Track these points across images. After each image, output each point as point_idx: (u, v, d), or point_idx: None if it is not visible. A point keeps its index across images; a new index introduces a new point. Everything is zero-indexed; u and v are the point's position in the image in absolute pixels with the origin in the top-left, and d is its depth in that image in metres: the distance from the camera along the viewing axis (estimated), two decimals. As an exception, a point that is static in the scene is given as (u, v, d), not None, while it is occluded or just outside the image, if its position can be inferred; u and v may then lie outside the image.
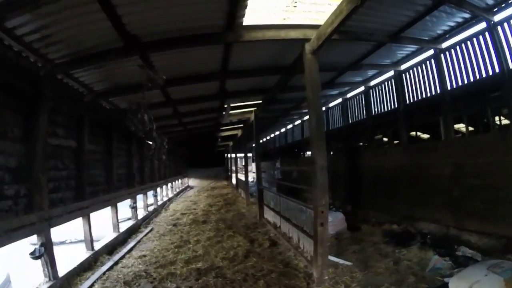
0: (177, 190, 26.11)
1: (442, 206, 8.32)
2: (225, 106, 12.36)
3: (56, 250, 7.64)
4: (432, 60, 10.10)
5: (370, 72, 12.77)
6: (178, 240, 10.03)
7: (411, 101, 11.39)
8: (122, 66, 7.24)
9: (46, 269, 5.94)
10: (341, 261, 7.15)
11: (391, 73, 12.11)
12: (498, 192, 6.89)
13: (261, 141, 31.58)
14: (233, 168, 31.67)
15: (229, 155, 37.48)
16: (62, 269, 6.54)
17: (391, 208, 10.44)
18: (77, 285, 6.43)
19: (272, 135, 33.47)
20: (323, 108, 18.39)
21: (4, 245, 4.89)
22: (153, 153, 10.80)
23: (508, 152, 6.80)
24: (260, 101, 12.52)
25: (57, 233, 8.66)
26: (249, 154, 40.98)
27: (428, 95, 10.53)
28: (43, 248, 5.82)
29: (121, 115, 10.03)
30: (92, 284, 6.47)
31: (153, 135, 7.96)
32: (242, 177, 24.51)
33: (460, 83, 9.25)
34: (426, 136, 14.02)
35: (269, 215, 11.52)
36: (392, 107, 12.47)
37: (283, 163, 22.41)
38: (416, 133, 13.05)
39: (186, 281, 6.64)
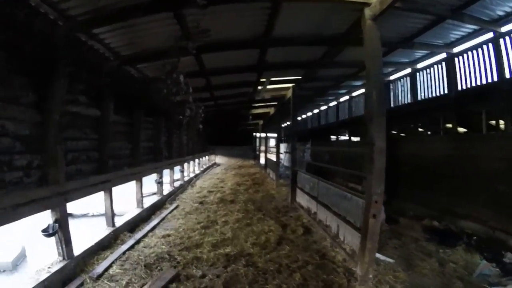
0: (204, 166, 25.65)
1: (490, 205, 7.48)
2: (263, 79, 11.46)
3: (78, 223, 7.09)
4: (490, 45, 9.12)
5: (418, 54, 11.76)
6: (205, 219, 9.43)
7: (463, 87, 10.42)
8: (151, 27, 6.45)
9: (60, 247, 5.37)
10: (382, 257, 6.41)
11: (442, 56, 11.14)
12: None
13: (288, 123, 30.77)
14: (261, 147, 31.05)
15: (257, 134, 36.84)
16: (80, 246, 6.02)
17: (431, 201, 9.52)
18: (93, 265, 5.85)
19: (304, 116, 32.36)
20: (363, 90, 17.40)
21: (11, 222, 4.25)
22: (188, 121, 9.92)
23: None
24: (300, 77, 11.57)
25: (79, 206, 8.31)
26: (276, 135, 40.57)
27: (483, 82, 9.56)
28: (57, 224, 5.23)
29: (150, 84, 9.35)
30: (110, 265, 5.90)
31: (189, 99, 7.13)
32: (271, 157, 23.90)
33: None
34: (462, 129, 12.88)
35: (302, 199, 10.80)
36: (441, 92, 11.50)
37: (313, 145, 21.50)
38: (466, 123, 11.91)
39: (213, 268, 6.00)
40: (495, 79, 9.04)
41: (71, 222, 7.53)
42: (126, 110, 9.18)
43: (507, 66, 8.66)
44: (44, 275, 4.75)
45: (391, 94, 15.02)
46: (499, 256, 6.29)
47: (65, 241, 5.39)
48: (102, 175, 7.12)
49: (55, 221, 5.24)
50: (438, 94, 11.70)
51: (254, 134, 40.18)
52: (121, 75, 8.24)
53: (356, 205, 6.37)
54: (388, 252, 6.80)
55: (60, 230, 5.26)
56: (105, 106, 7.53)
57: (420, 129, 13.73)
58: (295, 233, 8.24)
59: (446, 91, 11.14)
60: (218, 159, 35.14)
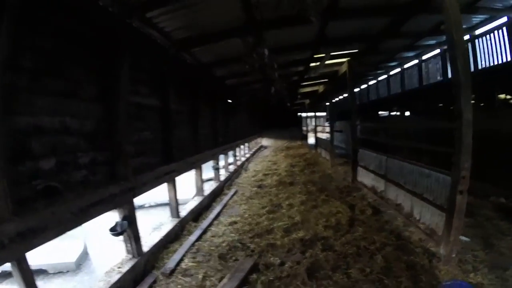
0: (253, 150, 25.58)
1: None
2: (321, 55, 10.96)
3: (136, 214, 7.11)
4: None
5: (476, 19, 10.73)
6: (268, 204, 9.27)
7: None
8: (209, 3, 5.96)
9: (129, 244, 5.27)
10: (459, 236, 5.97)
11: (503, 20, 10.21)
12: None
13: (337, 99, 29.96)
14: (309, 127, 30.53)
15: (304, 114, 36.27)
16: (147, 240, 5.96)
17: (500, 178, 8.87)
18: (164, 260, 5.78)
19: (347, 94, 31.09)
20: (416, 60, 16.51)
21: (80, 225, 4.09)
22: (272, 96, 9.55)
23: None
24: (356, 50, 11.02)
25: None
26: (323, 114, 39.83)
27: None
28: (126, 222, 5.09)
29: (207, 69, 9.15)
30: (182, 259, 5.81)
31: (275, 74, 6.78)
32: (321, 136, 23.48)
33: None
34: None
35: (366, 178, 10.41)
36: (505, 59, 10.60)
37: (363, 122, 20.72)
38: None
39: (291, 254, 5.79)
40: None
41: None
42: (184, 98, 9.02)
43: None
44: (115, 276, 4.64)
45: (447, 65, 13.85)
46: None
47: (135, 238, 5.28)
48: (166, 165, 7.01)
49: (124, 218, 5.13)
50: (500, 62, 10.84)
51: (300, 114, 39.63)
52: (180, 61, 8.06)
53: (436, 181, 6.00)
54: (463, 231, 6.37)
55: (129, 227, 5.13)
56: (166, 95, 7.36)
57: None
58: (364, 214, 7.94)
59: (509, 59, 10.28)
60: (265, 141, 34.99)
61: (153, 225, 7.36)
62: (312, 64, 12.29)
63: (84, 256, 6.40)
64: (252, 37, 6.12)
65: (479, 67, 11.95)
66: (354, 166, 11.44)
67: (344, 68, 12.35)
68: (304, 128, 38.23)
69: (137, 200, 8.71)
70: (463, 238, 5.99)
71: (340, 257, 5.54)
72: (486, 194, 8.90)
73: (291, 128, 38.38)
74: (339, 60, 12.47)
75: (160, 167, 6.74)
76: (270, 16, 6.24)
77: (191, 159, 8.57)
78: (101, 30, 4.91)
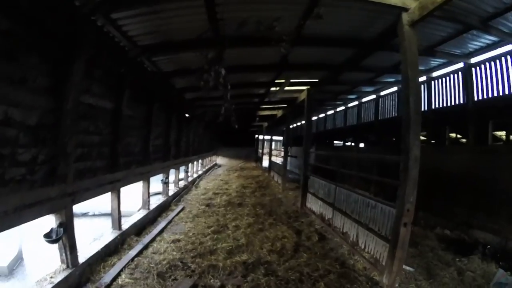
0: (206, 167, 25.20)
1: (506, 216, 7.37)
2: (281, 80, 11.02)
3: (78, 223, 6.68)
4: (509, 57, 8.84)
5: (434, 62, 11.21)
6: (215, 223, 9.06)
7: (480, 98, 10.01)
8: (178, 14, 5.83)
9: (64, 254, 4.90)
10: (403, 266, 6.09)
11: (459, 65, 10.67)
12: None
13: (294, 125, 30.33)
14: (265, 150, 30.67)
15: (261, 136, 36.43)
16: (84, 251, 5.59)
17: (445, 211, 9.31)
18: (100, 273, 5.43)
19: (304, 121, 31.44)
20: (373, 96, 17.00)
21: (13, 226, 3.78)
22: (223, 115, 9.33)
23: None
24: (316, 80, 11.17)
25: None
26: (280, 138, 40.18)
27: (504, 93, 9.15)
28: (62, 229, 4.72)
29: (166, 79, 8.91)
30: (119, 273, 5.48)
31: (227, 92, 6.64)
32: (275, 160, 23.59)
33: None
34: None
35: (314, 205, 10.48)
36: (458, 102, 11.06)
37: (318, 150, 21.04)
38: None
39: (232, 277, 5.63)
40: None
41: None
42: (139, 104, 8.68)
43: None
44: (47, 287, 4.32)
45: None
46: None
47: (70, 248, 4.93)
48: (112, 174, 6.66)
49: (60, 225, 4.76)
50: (453, 104, 11.34)
51: (257, 136, 39.76)
52: (139, 66, 7.74)
53: (382, 213, 6.17)
54: (407, 261, 6.50)
55: (64, 235, 4.79)
56: (120, 98, 7.03)
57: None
58: (310, 240, 7.94)
59: (462, 101, 10.78)
60: (219, 159, 34.72)
61: (95, 235, 6.96)
62: (273, 88, 12.35)
63: (18, 261, 5.93)
64: (213, 51, 6.01)
65: (433, 107, 12.43)
66: (304, 192, 11.48)
67: (303, 96, 12.58)
68: (260, 150, 38.36)
69: (81, 207, 8.30)
70: (407, 268, 6.20)
71: (282, 283, 5.45)
72: (432, 225, 9.22)
73: (248, 149, 38.42)
74: (299, 87, 12.63)
75: (105, 175, 6.40)
76: (234, 34, 6.21)
77: (139, 170, 8.23)
78: (63, 21, 4.56)
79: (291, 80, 11.31)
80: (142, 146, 9.07)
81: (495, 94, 9.33)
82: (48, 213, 4.52)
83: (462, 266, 6.60)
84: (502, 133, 11.08)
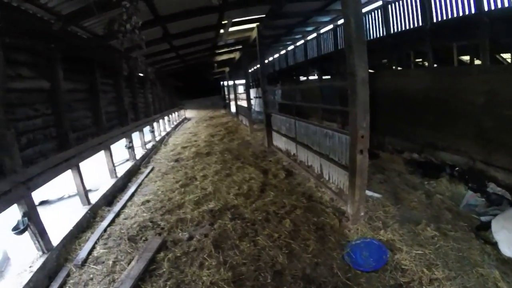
0: (175, 123, 24.98)
1: (470, 137, 7.44)
2: (225, 21, 10.71)
3: (56, 208, 6.61)
4: None
5: None
6: (183, 177, 9.15)
7: (439, 19, 10.07)
8: None
9: (36, 241, 4.91)
10: (370, 193, 6.31)
11: None
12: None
13: (256, 67, 29.83)
14: (231, 96, 30.41)
15: (225, 82, 36.01)
16: (60, 233, 5.57)
17: (411, 134, 9.48)
18: (76, 251, 5.45)
19: (271, 59, 30.87)
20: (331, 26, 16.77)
21: None
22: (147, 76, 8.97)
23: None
24: (263, 15, 10.91)
25: (54, 190, 7.73)
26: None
27: (460, 14, 9.28)
28: (26, 218, 4.71)
29: (103, 42, 8.53)
30: (93, 247, 5.53)
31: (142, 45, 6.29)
32: (242, 103, 23.49)
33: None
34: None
35: (279, 142, 10.63)
36: (415, 25, 11.15)
37: (284, 87, 20.99)
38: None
39: (200, 227, 5.80)
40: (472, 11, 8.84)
41: (49, 209, 7.12)
42: (80, 76, 8.38)
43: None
44: (27, 277, 4.33)
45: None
46: (483, 187, 6.37)
47: (40, 233, 4.91)
48: (64, 152, 6.49)
49: (24, 215, 4.75)
50: (411, 27, 11.37)
51: (222, 82, 39.30)
52: (68, 37, 7.26)
53: (339, 142, 6.16)
54: (374, 187, 6.76)
55: (31, 223, 4.78)
56: (54, 75, 6.71)
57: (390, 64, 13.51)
58: (277, 178, 8.13)
59: (420, 24, 10.83)
60: (188, 113, 34.35)
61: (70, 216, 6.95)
62: (222, 31, 12.01)
63: (5, 262, 5.89)
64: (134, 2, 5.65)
65: (391, 31, 12.52)
66: (269, 131, 11.63)
67: (254, 34, 12.28)
68: (228, 97, 38.14)
69: (56, 193, 8.23)
70: (375, 194, 6.35)
71: (248, 225, 5.64)
72: (399, 150, 9.50)
73: (214, 98, 38.16)
74: (248, 25, 12.27)
75: (57, 155, 6.23)
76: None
77: (94, 141, 8.04)
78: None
79: (238, 19, 10.99)
80: (94, 116, 8.86)
81: (455, 15, 9.37)
82: (7, 207, 4.45)
83: (430, 189, 6.77)
84: (467, 57, 11.30)
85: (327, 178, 6.99)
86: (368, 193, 6.14)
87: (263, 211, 6.10)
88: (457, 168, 7.42)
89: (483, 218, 5.25)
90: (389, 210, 5.67)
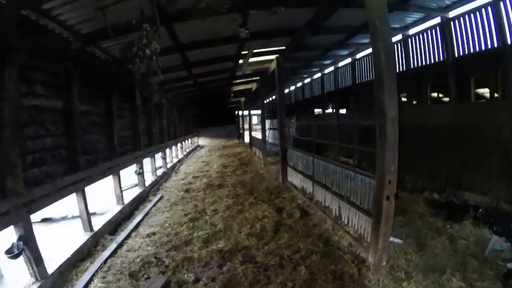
0: (187, 150, 24.80)
1: (494, 175, 7.08)
2: (245, 52, 10.56)
3: (57, 227, 6.24)
4: (489, 8, 8.42)
5: (410, 19, 10.80)
6: (192, 210, 8.78)
7: (461, 53, 9.63)
8: None
9: (30, 267, 4.57)
10: (391, 238, 5.75)
11: (436, 20, 10.27)
12: None
13: (272, 98, 29.80)
14: (245, 126, 30.33)
15: (240, 112, 36.06)
16: (58, 258, 5.26)
17: (431, 173, 9.06)
18: (72, 281, 5.08)
19: (286, 90, 30.79)
20: (349, 60, 16.62)
21: None
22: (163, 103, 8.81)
23: None
24: (283, 47, 10.76)
25: (57, 208, 7.32)
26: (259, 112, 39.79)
27: (483, 48, 8.81)
28: (21, 242, 4.38)
29: (122, 66, 8.36)
30: (91, 279, 5.14)
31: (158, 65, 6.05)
32: (255, 134, 23.30)
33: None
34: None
35: (295, 179, 10.25)
36: (436, 59, 10.73)
37: (299, 120, 20.70)
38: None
39: (207, 268, 5.34)
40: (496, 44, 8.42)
41: (51, 228, 6.75)
42: (96, 98, 8.17)
43: (508, 30, 8.01)
44: None
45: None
46: (508, 230, 5.90)
47: (35, 260, 4.58)
48: (72, 175, 6.22)
49: (19, 239, 4.42)
50: (432, 61, 11.02)
51: (237, 112, 39.37)
52: (87, 57, 7.19)
53: (362, 184, 5.79)
54: (395, 231, 6.20)
55: (26, 248, 4.45)
56: (71, 95, 6.55)
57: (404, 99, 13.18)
58: (292, 217, 7.71)
59: (441, 58, 10.44)
60: (201, 140, 34.40)
61: (70, 239, 6.60)
62: (241, 61, 11.89)
63: None
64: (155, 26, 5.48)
65: (411, 66, 12.17)
66: (284, 166, 11.25)
67: (273, 65, 12.14)
68: (242, 126, 38.12)
69: (59, 211, 7.92)
70: (396, 240, 5.89)
71: (260, 270, 5.17)
72: (419, 189, 9.08)
73: (228, 127, 38.17)
74: (267, 57, 12.23)
75: (64, 177, 5.94)
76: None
77: (105, 165, 7.78)
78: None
79: (258, 50, 10.87)
80: (106, 140, 8.61)
81: (477, 49, 8.98)
82: (2, 229, 4.15)
83: (453, 233, 6.32)
84: (485, 90, 10.91)
85: (345, 222, 6.58)
86: (390, 238, 5.67)
87: (276, 255, 5.64)
88: (480, 210, 6.95)
89: (509, 265, 4.87)
90: (412, 258, 5.21)
